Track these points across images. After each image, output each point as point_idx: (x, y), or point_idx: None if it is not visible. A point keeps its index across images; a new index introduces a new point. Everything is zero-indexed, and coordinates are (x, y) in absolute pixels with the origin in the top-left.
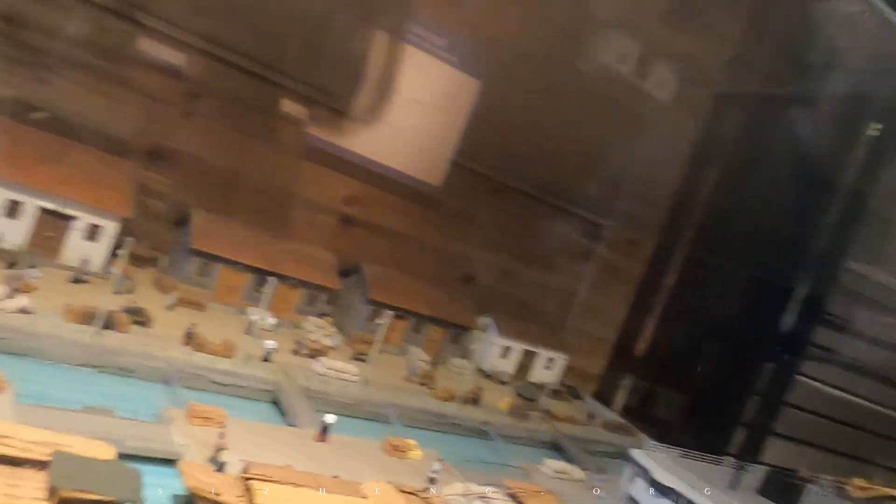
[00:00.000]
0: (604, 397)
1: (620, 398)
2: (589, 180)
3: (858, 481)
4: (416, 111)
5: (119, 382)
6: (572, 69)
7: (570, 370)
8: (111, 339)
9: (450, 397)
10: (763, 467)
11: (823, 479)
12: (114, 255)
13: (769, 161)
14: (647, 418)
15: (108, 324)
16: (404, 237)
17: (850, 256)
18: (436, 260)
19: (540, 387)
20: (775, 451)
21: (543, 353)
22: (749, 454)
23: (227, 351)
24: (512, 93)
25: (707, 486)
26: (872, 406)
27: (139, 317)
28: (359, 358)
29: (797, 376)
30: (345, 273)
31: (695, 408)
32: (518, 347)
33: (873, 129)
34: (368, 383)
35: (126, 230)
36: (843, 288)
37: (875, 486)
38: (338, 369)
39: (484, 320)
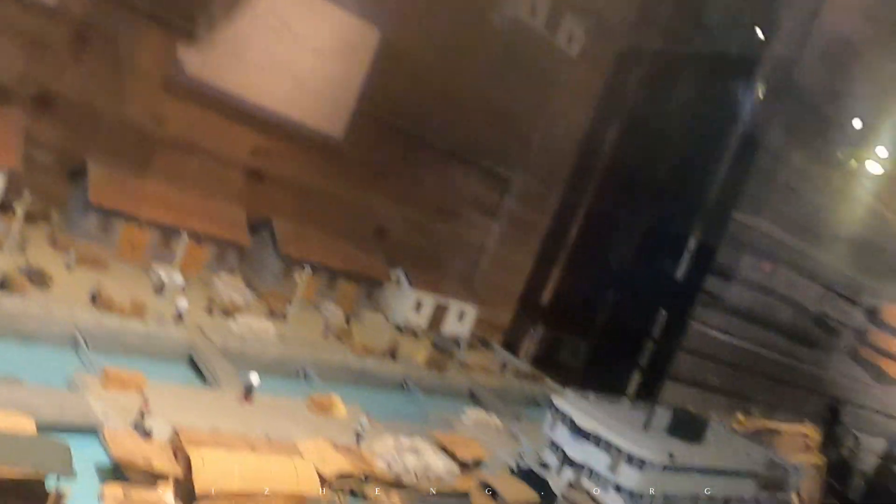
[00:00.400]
0: (512, 346)
1: (528, 347)
2: (497, 134)
3: (741, 416)
4: (316, 60)
5: (21, 349)
6: (480, 23)
7: (480, 321)
8: (8, 302)
9: (368, 352)
10: (669, 409)
11: (712, 416)
12: (0, 209)
13: (667, 118)
14: (553, 365)
15: (3, 285)
16: (314, 191)
17: (738, 208)
18: (347, 214)
19: (454, 339)
20: (669, 392)
21: (455, 306)
22: (646, 396)
23: (136, 311)
24: (419, 45)
25: (624, 428)
26: (754, 348)
27: (37, 277)
28: (274, 315)
29: (689, 322)
30: (254, 228)
31: (597, 354)
32: (430, 300)
33: (761, 90)
34: (286, 340)
35: (13, 184)
36: (731, 238)
37: (755, 420)
38: (254, 327)
39: (396, 273)
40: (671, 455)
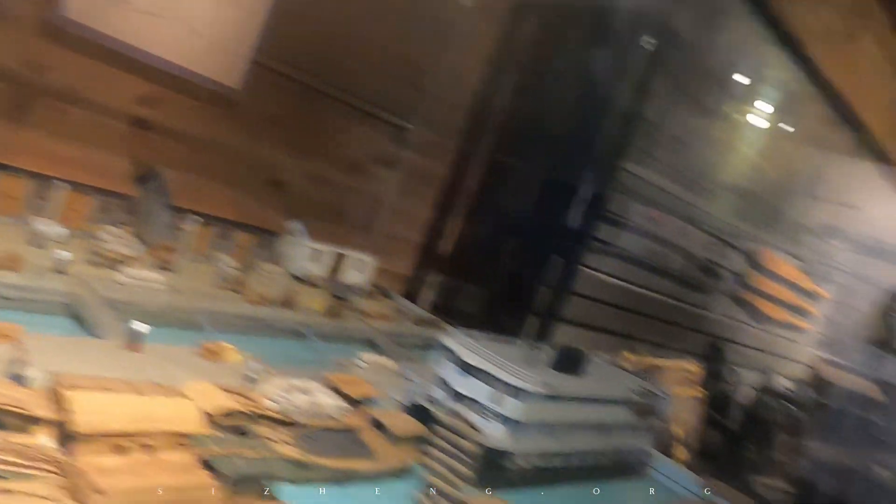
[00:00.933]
0: (413, 296)
1: (428, 295)
2: (394, 85)
3: (628, 354)
4: (209, 5)
5: None
6: None
7: (380, 271)
8: None
9: (263, 301)
10: (552, 346)
11: (601, 355)
12: None
13: (559, 69)
14: (453, 313)
15: None
16: (206, 142)
17: (627, 159)
18: (240, 165)
19: (351, 287)
20: (561, 335)
21: (353, 256)
22: (541, 339)
23: (12, 263)
24: None
25: (507, 362)
26: (643, 291)
27: None
28: (164, 267)
29: (581, 267)
30: (143, 179)
31: (494, 300)
32: (328, 251)
33: (648, 43)
34: (177, 291)
35: None
36: (621, 188)
37: (640, 358)
38: (142, 278)
39: (293, 225)
40: (550, 385)
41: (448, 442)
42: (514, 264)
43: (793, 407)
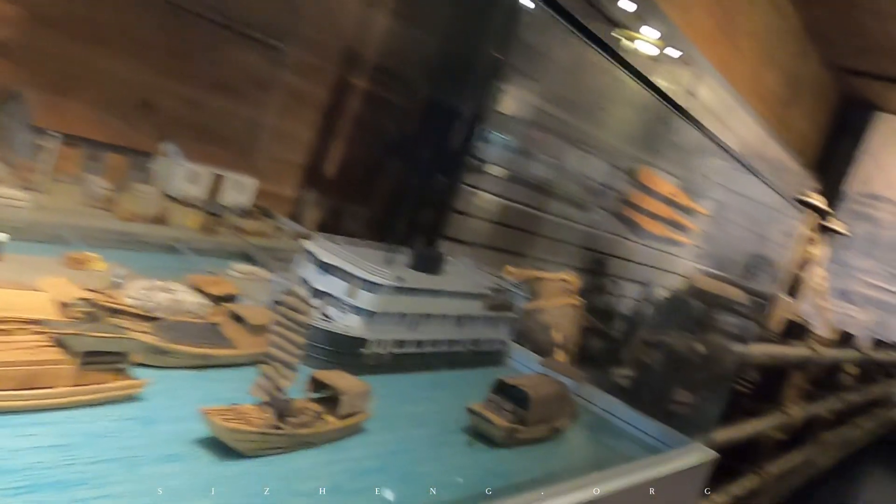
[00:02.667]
0: (296, 217)
1: (312, 216)
2: (268, 5)
3: (510, 268)
4: None
5: None
6: None
7: (261, 193)
8: None
9: (135, 218)
10: (411, 248)
11: (465, 259)
12: None
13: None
14: (337, 232)
15: None
16: (71, 62)
17: (507, 79)
18: (109, 86)
19: (231, 208)
20: (447, 252)
21: (232, 177)
22: None
23: None
24: None
25: (364, 261)
26: (521, 207)
27: None
28: (28, 187)
29: (464, 186)
30: (3, 100)
31: (378, 220)
32: (206, 172)
33: None
34: (42, 208)
35: None
36: (501, 107)
37: (522, 271)
38: (3, 195)
39: (168, 146)
40: (401, 278)
41: (286, 315)
42: (397, 184)
43: (663, 311)
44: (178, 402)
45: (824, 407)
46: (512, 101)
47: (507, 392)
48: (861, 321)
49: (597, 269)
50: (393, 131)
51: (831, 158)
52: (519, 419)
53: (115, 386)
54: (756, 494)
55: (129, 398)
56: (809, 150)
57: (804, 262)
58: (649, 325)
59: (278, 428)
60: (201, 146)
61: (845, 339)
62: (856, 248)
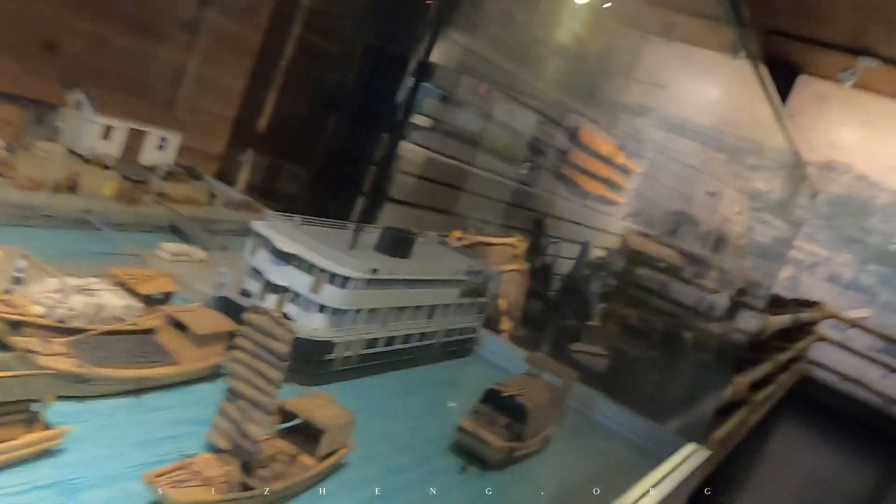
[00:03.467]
0: (226, 177)
1: (244, 176)
2: None
3: (456, 233)
4: None
5: None
6: None
7: (187, 150)
8: None
9: (37, 185)
10: (377, 228)
11: (430, 234)
12: None
13: None
14: (273, 194)
15: None
16: None
17: (453, 28)
18: (4, 22)
19: (151, 168)
20: (390, 215)
21: (154, 133)
22: (368, 220)
23: None
24: None
25: (328, 248)
26: (469, 168)
27: None
28: None
29: (407, 144)
30: None
31: (318, 180)
32: (122, 126)
33: None
34: None
35: None
36: (447, 60)
37: (469, 236)
38: None
39: (76, 96)
40: (374, 270)
41: (256, 341)
42: (338, 142)
43: (604, 274)
44: (110, 451)
45: (764, 372)
46: (453, 52)
47: (497, 402)
48: (777, 278)
49: (537, 230)
50: (333, 83)
51: None
52: (515, 435)
53: (24, 443)
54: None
55: (46, 453)
56: None
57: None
58: (598, 293)
59: (246, 487)
60: (115, 95)
61: (779, 303)
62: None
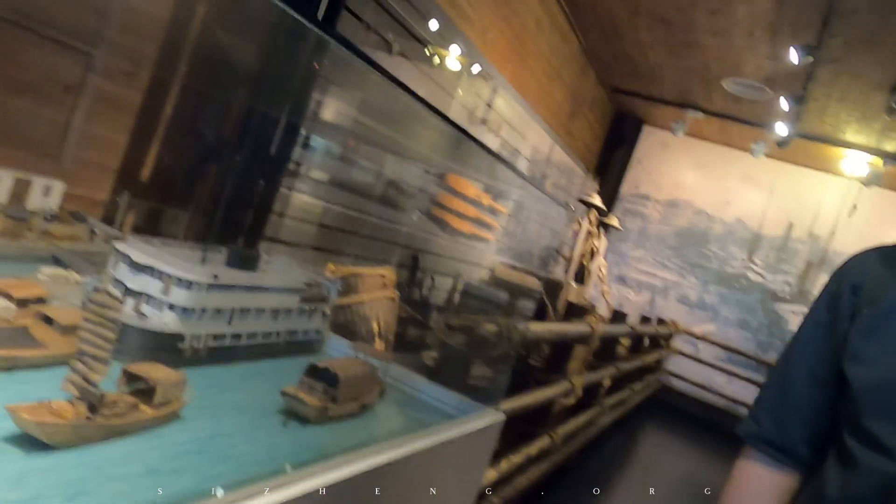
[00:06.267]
0: (111, 220)
1: (129, 220)
2: (71, 6)
3: (331, 266)
4: None
5: None
6: None
7: (75, 198)
8: None
9: None
10: (226, 247)
11: (282, 256)
12: None
13: (250, 10)
14: (157, 236)
15: None
16: None
17: (320, 91)
18: None
19: (36, 212)
20: (270, 253)
21: (38, 181)
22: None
23: None
24: None
25: (179, 260)
26: (345, 210)
27: None
28: None
29: (283, 189)
30: None
31: (198, 223)
32: (7, 175)
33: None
34: None
35: None
36: (313, 116)
37: (343, 268)
38: None
39: None
40: (215, 276)
41: (96, 312)
42: (215, 187)
43: (466, 297)
44: None
45: (603, 375)
46: (329, 111)
47: (318, 374)
48: (636, 301)
49: (413, 265)
50: (211, 136)
51: (609, 164)
52: (330, 398)
53: None
54: (548, 453)
55: None
56: (591, 157)
57: (589, 254)
58: (455, 312)
59: (90, 419)
60: (2, 150)
61: (618, 317)
62: (630, 241)
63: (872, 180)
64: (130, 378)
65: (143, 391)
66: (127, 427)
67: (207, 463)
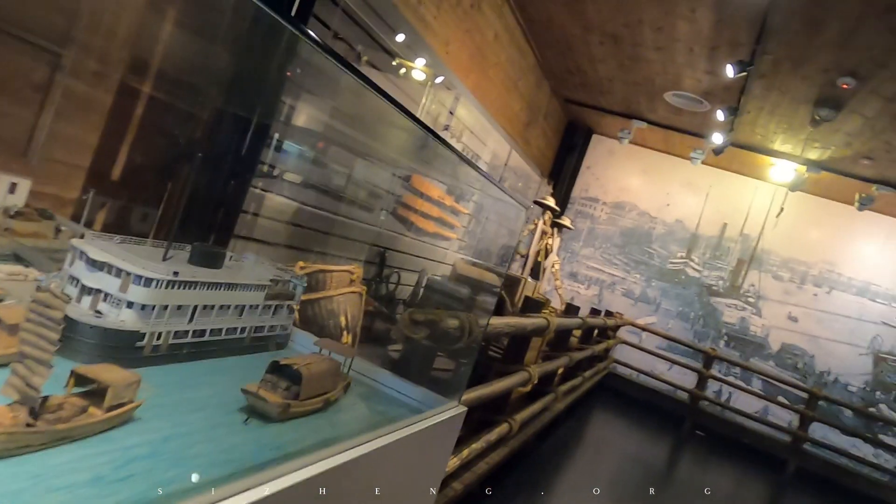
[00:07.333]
0: (80, 219)
1: (98, 218)
2: (39, 8)
3: (301, 263)
4: None
5: None
6: None
7: (42, 196)
8: None
9: None
10: (189, 245)
11: (277, 265)
12: None
13: (222, 12)
14: (125, 232)
15: None
16: None
17: (285, 93)
18: None
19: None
20: (237, 249)
21: (4, 178)
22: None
23: None
24: None
25: (138, 258)
26: (310, 208)
27: None
28: None
29: (253, 189)
30: None
31: (171, 221)
32: None
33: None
34: None
35: None
36: (284, 117)
37: (311, 265)
38: None
39: None
40: (175, 273)
41: (40, 312)
42: (190, 188)
43: (430, 292)
44: None
45: (558, 364)
46: (300, 113)
47: (281, 371)
48: (585, 296)
49: (380, 262)
50: (182, 137)
51: (562, 169)
52: (293, 395)
53: None
54: (506, 438)
55: None
56: (546, 162)
57: (544, 252)
58: (419, 307)
59: (30, 426)
60: None
61: (571, 310)
62: (580, 240)
63: (797, 185)
64: (80, 380)
65: (94, 393)
66: (74, 432)
67: (160, 467)
